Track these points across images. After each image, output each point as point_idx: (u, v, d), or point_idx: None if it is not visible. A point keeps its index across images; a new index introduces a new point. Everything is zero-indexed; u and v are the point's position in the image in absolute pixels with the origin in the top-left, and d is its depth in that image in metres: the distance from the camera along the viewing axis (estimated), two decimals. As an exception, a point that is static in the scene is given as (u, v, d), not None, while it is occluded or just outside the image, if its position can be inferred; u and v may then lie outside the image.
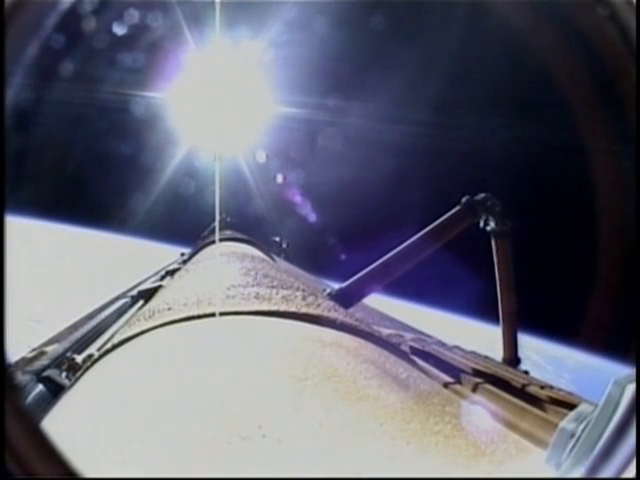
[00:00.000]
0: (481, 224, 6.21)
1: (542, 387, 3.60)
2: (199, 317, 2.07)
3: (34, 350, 3.57)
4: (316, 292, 3.27)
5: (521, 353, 6.84)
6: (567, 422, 1.09)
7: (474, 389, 3.41)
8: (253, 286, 2.66)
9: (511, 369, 5.25)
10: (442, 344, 5.82)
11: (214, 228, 8.68)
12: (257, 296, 2.38)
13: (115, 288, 5.86)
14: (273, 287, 2.68)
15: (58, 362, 2.61)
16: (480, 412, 2.14)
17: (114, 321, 3.79)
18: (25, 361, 2.93)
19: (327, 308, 2.39)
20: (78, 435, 1.19)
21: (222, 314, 2.09)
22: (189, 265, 5.73)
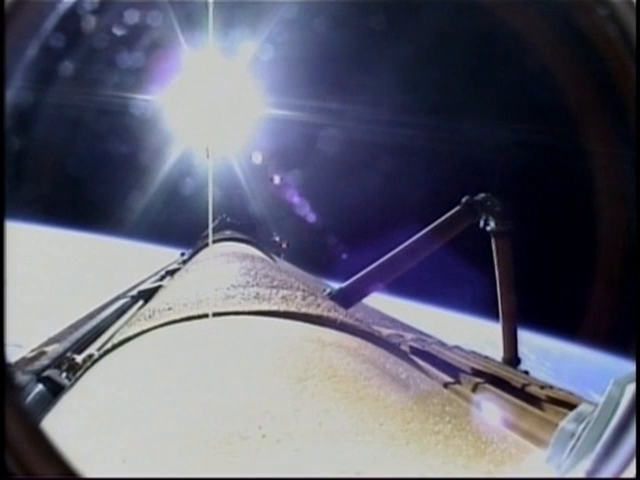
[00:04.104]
0: (481, 224, 6.22)
1: (542, 387, 3.60)
2: (199, 317, 2.07)
3: (34, 350, 3.57)
4: (316, 292, 3.27)
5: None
6: (567, 422, 1.09)
7: (474, 389, 3.41)
8: (253, 286, 2.66)
9: (511, 369, 5.25)
10: (442, 344, 5.83)
11: (214, 228, 8.68)
12: (257, 296, 2.38)
13: (113, 292, 5.86)
14: (273, 287, 2.67)
15: (58, 362, 2.60)
16: (480, 412, 2.14)
17: (114, 321, 3.79)
18: (25, 361, 2.92)
19: (327, 308, 2.39)
20: (78, 435, 1.19)
21: (222, 314, 2.09)
22: (189, 265, 5.73)
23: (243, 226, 10.20)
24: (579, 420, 1.05)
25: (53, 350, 2.92)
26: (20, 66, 0.87)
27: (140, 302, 4.47)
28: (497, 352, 6.74)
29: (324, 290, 5.54)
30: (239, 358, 1.61)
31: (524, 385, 3.60)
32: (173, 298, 2.55)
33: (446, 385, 3.26)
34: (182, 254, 8.66)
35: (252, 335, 1.88)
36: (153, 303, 3.30)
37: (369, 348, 1.98)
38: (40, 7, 0.91)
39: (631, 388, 0.94)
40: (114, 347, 2.10)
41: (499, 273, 6.41)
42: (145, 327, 2.11)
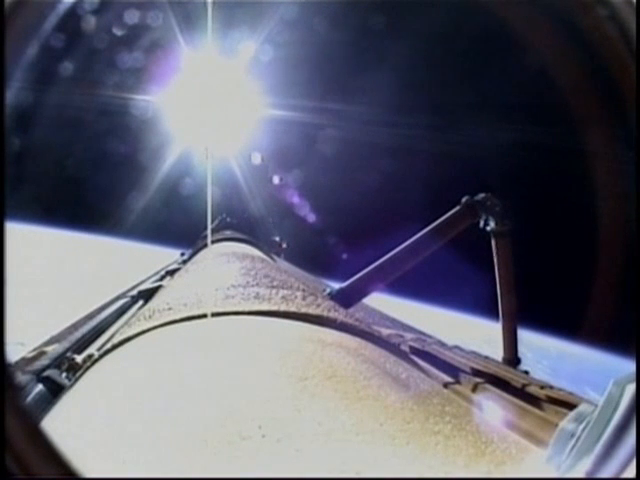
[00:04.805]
0: (481, 224, 6.22)
1: (542, 387, 3.60)
2: (199, 317, 2.07)
3: (34, 350, 3.58)
4: (316, 292, 3.27)
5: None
6: (567, 422, 1.09)
7: (474, 389, 3.41)
8: (253, 286, 2.66)
9: (511, 369, 5.25)
10: (442, 344, 5.82)
11: (214, 228, 8.68)
12: (257, 296, 2.38)
13: (113, 292, 5.86)
14: (273, 287, 2.68)
15: (58, 362, 2.60)
16: (480, 412, 2.14)
17: (114, 321, 3.79)
18: (25, 361, 2.93)
19: (327, 308, 2.39)
20: (78, 435, 1.19)
21: (222, 314, 2.09)
22: (189, 265, 5.73)
23: (243, 226, 10.21)
24: (579, 420, 1.05)
25: (53, 350, 2.92)
26: (20, 66, 0.87)
27: (140, 302, 4.47)
28: (497, 351, 6.75)
29: (324, 290, 5.55)
30: (239, 358, 1.61)
31: (524, 385, 3.60)
32: (173, 298, 2.55)
33: (446, 385, 3.26)
34: (182, 254, 8.65)
35: (252, 335, 1.88)
36: (153, 303, 3.30)
37: (369, 348, 1.98)
38: (40, 7, 0.91)
39: (631, 388, 0.94)
40: (114, 347, 2.10)
41: (499, 273, 6.42)
42: (145, 327, 2.11)
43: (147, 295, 4.59)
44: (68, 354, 2.73)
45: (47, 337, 4.34)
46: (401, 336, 5.75)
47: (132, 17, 10.94)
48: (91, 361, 2.26)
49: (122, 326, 3.26)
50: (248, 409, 1.21)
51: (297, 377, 1.41)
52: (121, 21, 10.83)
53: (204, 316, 2.06)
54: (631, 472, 0.82)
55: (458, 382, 3.55)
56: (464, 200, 6.05)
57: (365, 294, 5.79)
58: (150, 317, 2.25)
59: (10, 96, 0.85)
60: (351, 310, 4.00)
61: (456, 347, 5.61)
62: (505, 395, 3.24)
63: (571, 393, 3.56)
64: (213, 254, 5.55)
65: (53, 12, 0.95)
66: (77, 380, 2.11)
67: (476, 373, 3.86)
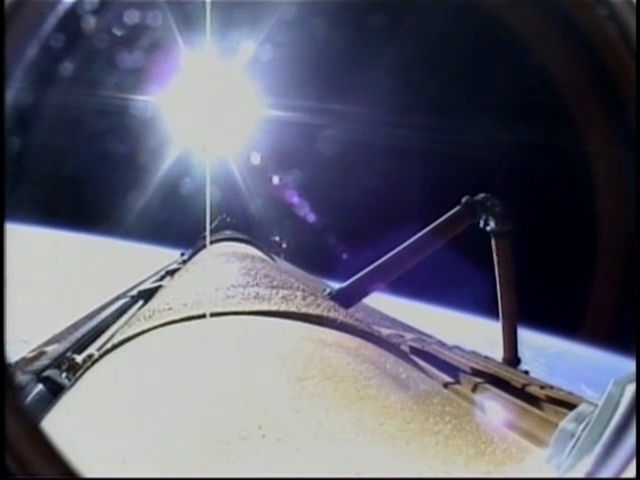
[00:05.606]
0: (481, 224, 6.22)
1: (542, 387, 3.60)
2: (199, 317, 2.07)
3: (34, 350, 3.58)
4: (316, 292, 3.27)
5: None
6: (567, 422, 1.09)
7: (474, 389, 3.41)
8: (253, 286, 2.66)
9: (511, 369, 5.25)
10: (442, 344, 5.83)
11: (214, 229, 8.68)
12: (257, 296, 2.38)
13: (113, 292, 5.86)
14: (273, 287, 2.68)
15: (58, 362, 2.61)
16: (480, 412, 2.14)
17: (114, 321, 3.79)
18: (25, 361, 2.93)
19: (327, 308, 2.39)
20: (78, 435, 1.19)
21: (222, 314, 2.09)
22: (189, 265, 5.73)
23: (242, 226, 10.21)
24: (579, 420, 1.05)
25: (53, 350, 2.92)
26: (20, 66, 0.87)
27: (140, 302, 4.47)
28: (497, 351, 6.75)
29: (324, 290, 5.55)
30: (239, 358, 1.61)
31: (524, 385, 3.60)
32: (173, 298, 2.55)
33: (446, 385, 3.26)
34: (182, 254, 8.65)
35: (252, 335, 1.88)
36: (153, 303, 3.30)
37: (369, 348, 1.98)
38: (40, 7, 0.91)
39: (631, 388, 0.93)
40: (114, 347, 2.10)
41: (499, 273, 6.42)
42: (145, 327, 2.11)
43: (147, 295, 4.59)
44: (68, 354, 2.73)
45: (47, 337, 4.34)
46: (401, 336, 5.75)
47: (132, 17, 10.94)
48: (91, 361, 2.26)
49: (122, 326, 3.26)
50: (248, 409, 1.21)
51: (297, 377, 1.41)
52: (121, 21, 10.84)
53: (204, 316, 2.06)
54: (631, 472, 0.82)
55: (458, 382, 3.56)
56: (464, 200, 6.05)
57: (365, 294, 5.79)
58: (150, 317, 2.26)
59: (10, 96, 0.85)
60: (351, 310, 4.00)
61: (456, 347, 5.61)
62: (505, 395, 3.24)
63: (571, 393, 3.56)
64: (213, 254, 5.55)
65: (53, 12, 0.95)
66: (77, 380, 2.11)
67: (476, 373, 3.86)
